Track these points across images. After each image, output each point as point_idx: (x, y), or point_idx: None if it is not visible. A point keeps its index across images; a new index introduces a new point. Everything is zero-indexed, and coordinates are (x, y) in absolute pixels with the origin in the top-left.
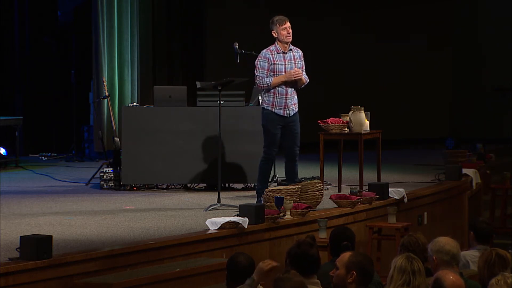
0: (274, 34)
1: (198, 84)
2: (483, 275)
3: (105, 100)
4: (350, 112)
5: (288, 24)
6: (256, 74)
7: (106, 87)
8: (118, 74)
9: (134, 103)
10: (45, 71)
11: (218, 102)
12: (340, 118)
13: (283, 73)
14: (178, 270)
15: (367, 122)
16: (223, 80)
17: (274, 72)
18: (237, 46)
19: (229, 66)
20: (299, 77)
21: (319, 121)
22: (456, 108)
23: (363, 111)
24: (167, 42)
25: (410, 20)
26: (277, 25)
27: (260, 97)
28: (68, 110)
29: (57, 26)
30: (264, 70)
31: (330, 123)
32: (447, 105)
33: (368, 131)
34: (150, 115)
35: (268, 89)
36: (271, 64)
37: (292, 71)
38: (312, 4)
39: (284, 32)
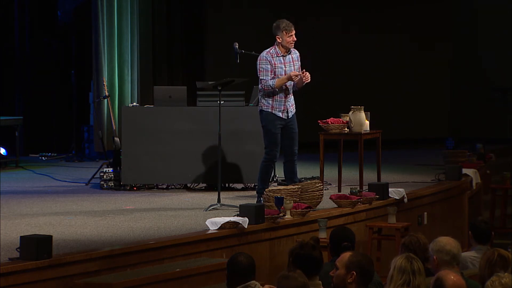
0: (278, 39)
1: (198, 84)
2: (484, 274)
3: (105, 100)
4: (350, 112)
5: (294, 32)
6: (261, 77)
7: (106, 87)
8: (118, 74)
9: (134, 103)
10: (45, 71)
11: (218, 102)
12: (340, 118)
13: (284, 76)
14: (178, 270)
15: (367, 122)
16: (223, 80)
17: (274, 75)
18: (237, 46)
19: (229, 66)
20: (298, 79)
21: (319, 121)
22: (456, 108)
23: (363, 111)
24: (167, 42)
25: (410, 19)
26: (283, 32)
27: (259, 100)
28: (68, 110)
29: (57, 26)
30: (268, 72)
31: (330, 123)
32: (447, 105)
33: (368, 131)
34: (150, 115)
35: (268, 92)
36: (273, 67)
37: (293, 73)
38: (312, 4)
39: (290, 39)
